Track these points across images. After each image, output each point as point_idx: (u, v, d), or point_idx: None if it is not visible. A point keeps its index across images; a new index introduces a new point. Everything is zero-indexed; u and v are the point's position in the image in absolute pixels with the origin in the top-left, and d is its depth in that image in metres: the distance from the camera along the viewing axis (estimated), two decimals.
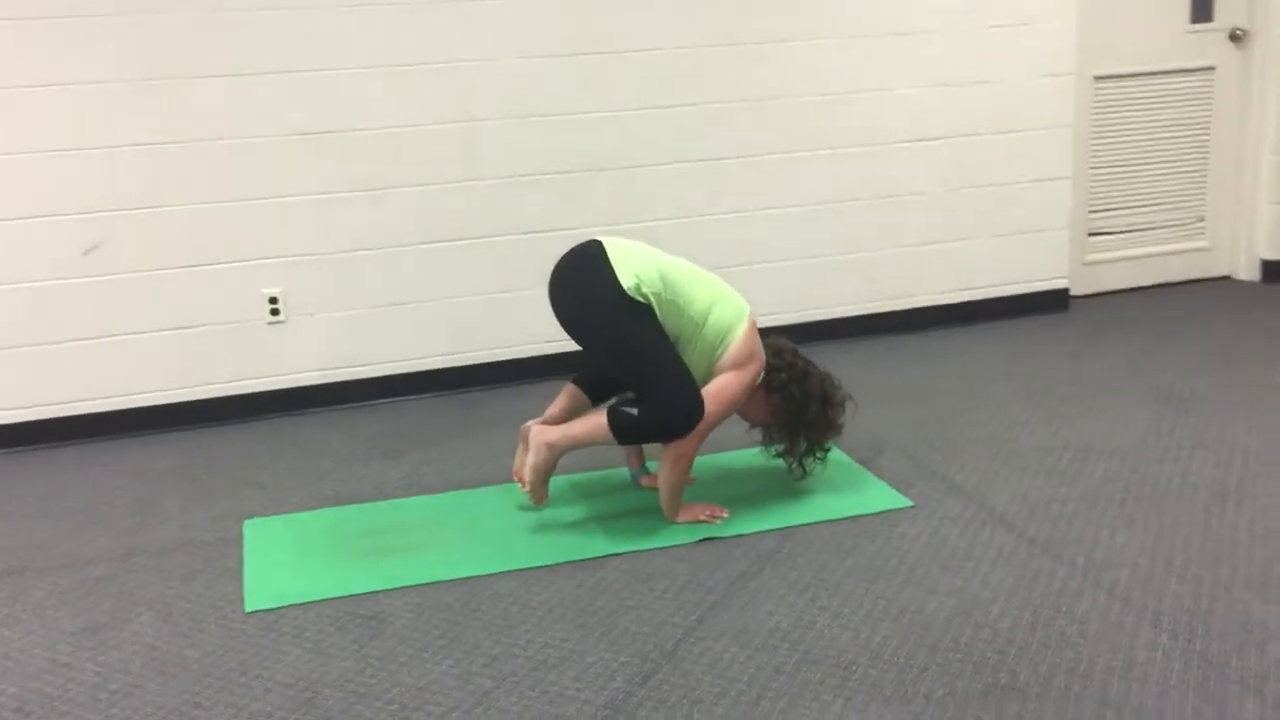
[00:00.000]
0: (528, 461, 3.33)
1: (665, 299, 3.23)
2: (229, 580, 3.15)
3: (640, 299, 3.19)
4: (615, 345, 3.23)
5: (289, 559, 3.25)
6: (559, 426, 3.32)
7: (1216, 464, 3.57)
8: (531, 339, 4.67)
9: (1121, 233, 5.58)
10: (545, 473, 3.33)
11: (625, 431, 3.22)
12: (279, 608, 2.98)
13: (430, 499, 3.63)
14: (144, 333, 4.28)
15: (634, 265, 3.22)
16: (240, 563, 3.25)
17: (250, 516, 3.56)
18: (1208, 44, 5.48)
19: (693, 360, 3.27)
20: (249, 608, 2.99)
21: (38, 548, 3.43)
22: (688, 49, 4.62)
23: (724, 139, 4.74)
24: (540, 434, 3.31)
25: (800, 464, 3.48)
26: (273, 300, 4.39)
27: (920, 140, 4.98)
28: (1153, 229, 5.62)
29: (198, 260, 4.29)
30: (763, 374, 3.34)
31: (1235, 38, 5.48)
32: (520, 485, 3.51)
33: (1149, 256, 5.64)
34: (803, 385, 3.38)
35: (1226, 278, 5.78)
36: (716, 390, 3.25)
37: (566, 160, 4.56)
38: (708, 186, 4.75)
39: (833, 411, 3.42)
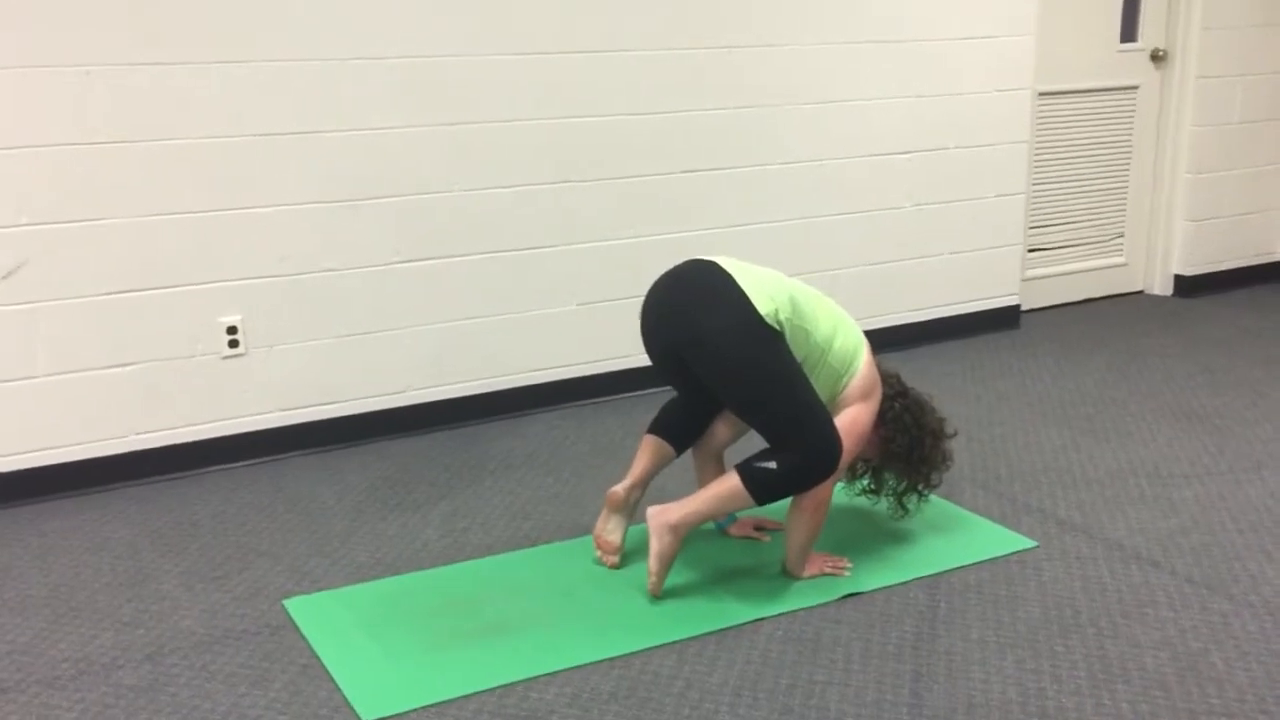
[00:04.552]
0: (650, 549, 2.86)
1: (795, 324, 2.88)
2: (313, 681, 2.57)
3: (775, 326, 2.83)
4: (751, 380, 2.82)
5: (372, 648, 2.69)
6: (678, 505, 2.87)
7: None
8: (529, 365, 4.19)
9: (1055, 248, 5.61)
10: (670, 561, 2.88)
11: (767, 489, 2.81)
12: (403, 713, 2.44)
13: (497, 561, 3.13)
14: (76, 372, 3.54)
15: (766, 288, 2.85)
16: (313, 656, 2.67)
17: (285, 595, 2.95)
18: (1133, 63, 5.58)
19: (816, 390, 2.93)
20: (366, 717, 2.43)
21: (22, 652, 2.71)
22: (663, 53, 4.25)
23: (699, 151, 4.38)
24: (660, 515, 2.85)
25: (900, 503, 3.21)
26: (231, 330, 3.73)
27: (890, 154, 4.81)
28: (1079, 244, 5.68)
29: (141, 284, 3.58)
30: None
31: (1156, 58, 5.60)
32: (599, 554, 3.08)
33: (1074, 273, 5.70)
34: (917, 417, 3.10)
35: (1140, 293, 5.92)
36: (849, 424, 2.93)
37: (559, 170, 4.11)
38: (684, 200, 4.39)
39: (945, 445, 3.16)
